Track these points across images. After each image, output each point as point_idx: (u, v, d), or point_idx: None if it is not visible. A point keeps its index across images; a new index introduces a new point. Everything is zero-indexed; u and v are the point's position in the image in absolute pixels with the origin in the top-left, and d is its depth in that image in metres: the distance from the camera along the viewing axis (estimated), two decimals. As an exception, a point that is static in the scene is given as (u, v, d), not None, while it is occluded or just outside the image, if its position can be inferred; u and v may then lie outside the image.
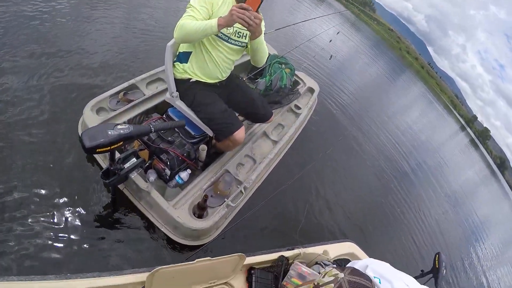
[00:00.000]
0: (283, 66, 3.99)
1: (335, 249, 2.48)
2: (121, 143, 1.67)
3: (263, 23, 2.20)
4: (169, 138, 2.50)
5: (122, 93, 2.83)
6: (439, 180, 10.89)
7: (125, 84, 2.90)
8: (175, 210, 2.28)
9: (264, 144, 3.37)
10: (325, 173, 4.87)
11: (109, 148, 1.62)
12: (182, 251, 2.49)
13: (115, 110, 2.65)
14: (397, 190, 6.97)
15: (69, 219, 2.27)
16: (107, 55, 4.02)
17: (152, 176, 2.42)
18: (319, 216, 3.93)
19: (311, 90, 4.53)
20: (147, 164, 2.50)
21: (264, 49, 2.32)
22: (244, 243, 2.95)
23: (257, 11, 1.85)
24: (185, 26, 1.98)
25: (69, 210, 2.31)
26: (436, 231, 7.24)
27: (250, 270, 1.96)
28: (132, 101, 2.81)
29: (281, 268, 2.00)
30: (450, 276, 6.17)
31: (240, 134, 2.46)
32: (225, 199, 2.56)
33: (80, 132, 2.67)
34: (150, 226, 2.47)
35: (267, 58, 2.55)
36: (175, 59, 2.44)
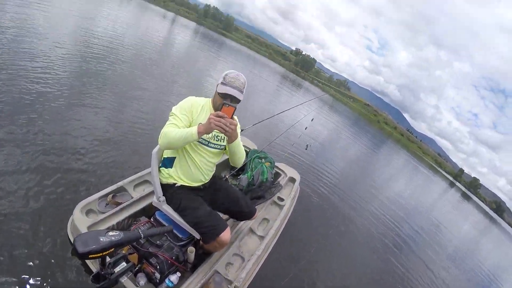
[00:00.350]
0: (263, 160, 4.16)
1: None
2: (112, 249, 1.71)
3: (238, 126, 2.44)
4: (158, 242, 2.55)
5: (110, 196, 2.91)
6: (438, 242, 10.69)
7: (114, 187, 2.99)
8: None
9: (250, 241, 3.39)
10: (321, 264, 4.84)
11: (101, 254, 1.66)
12: None
13: (104, 213, 2.71)
14: (398, 263, 6.86)
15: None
16: (97, 151, 4.24)
17: (142, 280, 2.41)
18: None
19: (292, 180, 4.64)
20: (137, 268, 2.51)
21: (241, 151, 2.53)
22: None
23: (232, 117, 2.03)
24: (168, 134, 2.13)
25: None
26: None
27: None
28: (120, 203, 2.87)
29: None
30: None
31: (226, 235, 2.51)
32: None
33: (69, 232, 2.71)
34: None
35: (248, 153, 2.70)
36: (160, 165, 2.57)
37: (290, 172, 4.72)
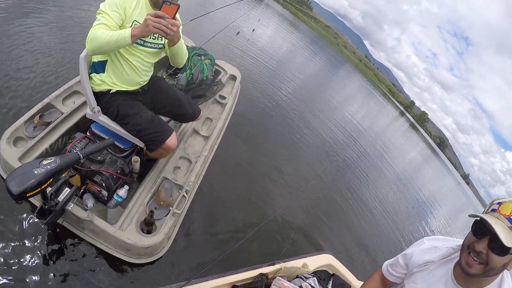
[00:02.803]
0: (202, 57, 3.93)
1: (314, 262, 2.61)
2: (51, 180, 1.55)
3: (180, 27, 2.17)
4: (99, 157, 2.35)
5: (37, 116, 2.60)
6: (385, 164, 11.41)
7: (39, 105, 2.66)
8: (122, 232, 2.20)
9: (196, 142, 3.33)
10: (266, 158, 5.04)
11: (39, 189, 1.50)
12: (140, 269, 2.42)
13: (34, 138, 2.44)
14: (349, 179, 7.14)
15: (13, 267, 2.02)
16: (15, 70, 3.55)
17: (90, 201, 2.28)
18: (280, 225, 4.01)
19: (233, 78, 4.55)
20: (82, 190, 2.34)
21: (184, 51, 2.29)
22: (196, 249, 2.92)
23: (174, 17, 1.79)
24: (97, 38, 1.85)
25: (9, 259, 2.05)
26: (391, 211, 7.55)
27: None
28: (50, 123, 2.58)
29: (261, 285, 2.07)
30: (406, 243, 6.51)
31: (172, 141, 2.40)
32: (170, 208, 2.53)
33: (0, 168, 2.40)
34: (101, 254, 2.32)
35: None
36: (90, 71, 2.29)
37: (231, 69, 4.59)
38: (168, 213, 2.50)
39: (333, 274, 2.76)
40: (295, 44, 23.09)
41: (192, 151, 3.18)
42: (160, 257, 2.45)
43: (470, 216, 1.12)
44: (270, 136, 6.09)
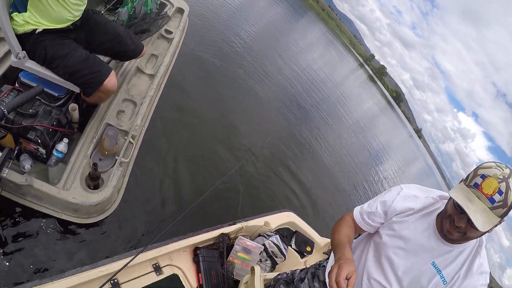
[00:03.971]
0: None
1: (275, 220, 2.63)
2: None
3: None
4: (30, 110, 2.04)
5: None
6: (343, 112, 11.65)
7: None
8: (67, 192, 2.04)
9: (140, 82, 3.08)
10: (214, 97, 4.91)
11: None
12: (93, 229, 2.33)
13: None
14: (307, 126, 7.16)
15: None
16: None
17: (27, 163, 2.05)
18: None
19: (180, 11, 4.24)
20: (16, 151, 2.07)
21: None
22: (150, 202, 2.88)
23: None
24: None
25: None
26: (347, 156, 7.76)
27: (196, 250, 2.00)
28: None
29: (223, 245, 2.10)
30: (362, 192, 6.75)
31: (111, 81, 2.17)
32: (116, 157, 2.36)
33: None
34: (49, 219, 2.16)
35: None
36: (10, 10, 1.96)
37: (177, 2, 4.25)
38: (114, 163, 2.33)
39: (296, 231, 2.86)
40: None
41: (137, 92, 2.94)
42: (113, 212, 2.35)
43: (451, 195, 1.11)
44: (225, 80, 5.89)
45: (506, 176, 1.04)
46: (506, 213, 1.06)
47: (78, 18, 2.15)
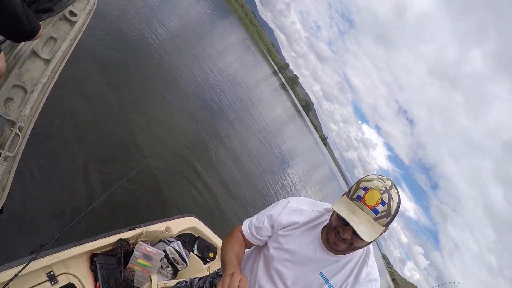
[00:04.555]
0: None
1: (178, 225, 2.55)
2: None
3: None
4: None
5: None
6: (253, 116, 11.93)
7: None
8: None
9: (34, 66, 2.81)
10: (118, 89, 4.72)
11: None
12: None
13: None
14: (215, 130, 7.14)
15: None
16: None
17: None
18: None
19: None
20: None
21: None
22: (40, 205, 2.66)
23: None
24: None
25: None
26: (254, 161, 7.93)
27: (93, 257, 1.87)
28: None
29: (121, 251, 1.98)
30: (267, 197, 6.92)
31: None
32: (1, 151, 2.13)
33: None
34: None
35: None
36: None
37: None
38: None
39: (198, 236, 2.79)
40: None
41: (29, 78, 2.69)
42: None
43: (334, 209, 1.12)
44: (132, 76, 5.65)
45: (388, 188, 1.08)
46: (390, 222, 1.10)
47: None
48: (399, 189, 1.16)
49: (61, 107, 3.34)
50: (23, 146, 2.45)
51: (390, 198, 1.07)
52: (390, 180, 1.12)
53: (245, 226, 1.48)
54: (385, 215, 1.07)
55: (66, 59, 3.35)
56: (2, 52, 2.06)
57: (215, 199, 5.20)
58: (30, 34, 2.39)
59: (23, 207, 2.47)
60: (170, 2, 13.01)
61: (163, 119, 5.45)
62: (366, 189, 1.08)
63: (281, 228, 1.36)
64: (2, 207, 2.15)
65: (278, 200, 1.51)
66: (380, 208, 1.06)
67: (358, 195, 1.09)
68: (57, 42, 3.21)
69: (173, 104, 6.26)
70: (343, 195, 1.20)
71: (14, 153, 2.25)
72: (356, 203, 1.09)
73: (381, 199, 1.06)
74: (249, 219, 1.50)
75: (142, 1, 8.85)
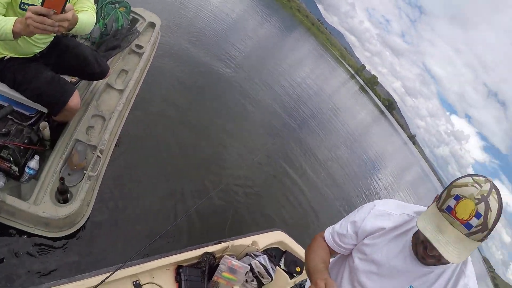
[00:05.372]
0: (117, 5, 3.60)
1: (264, 239, 2.55)
2: None
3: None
4: (3, 129, 2.13)
5: None
6: (335, 124, 11.51)
7: None
8: (37, 206, 2.08)
9: (109, 97, 3.04)
10: (191, 113, 4.75)
11: None
12: (66, 242, 2.28)
13: None
14: (300, 141, 6.96)
15: None
16: None
17: (0, 180, 2.13)
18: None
19: (152, 25, 4.21)
20: None
21: (85, 26, 1.96)
22: (124, 218, 2.77)
23: (63, 10, 1.43)
24: None
25: None
26: (342, 171, 7.54)
27: (178, 269, 1.94)
28: None
29: (206, 264, 2.02)
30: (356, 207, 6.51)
31: (74, 101, 2.21)
32: (84, 172, 2.37)
33: None
34: (23, 235, 2.14)
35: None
36: None
37: (150, 16, 4.23)
38: (82, 178, 2.34)
39: (285, 251, 2.77)
40: (248, 6, 22.33)
41: (106, 108, 2.90)
42: (84, 225, 2.34)
43: (418, 226, 0.95)
44: (210, 95, 5.76)
45: (485, 195, 0.86)
46: (486, 236, 0.89)
47: (45, 48, 2.22)
48: (499, 184, 0.71)
49: (141, 128, 3.56)
50: (105, 167, 2.67)
51: (487, 208, 0.85)
52: (489, 182, 0.89)
53: (328, 233, 1.40)
54: (481, 230, 0.86)
55: (138, 87, 3.62)
56: (76, 90, 2.24)
57: (304, 213, 4.99)
58: (100, 75, 2.61)
59: (111, 220, 2.61)
60: (237, 26, 13.34)
61: (244, 135, 5.43)
62: (458, 198, 0.89)
63: (366, 236, 1.23)
64: (87, 221, 2.37)
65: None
66: (474, 222, 0.86)
67: (448, 205, 0.91)
68: (128, 74, 3.40)
69: (255, 120, 6.24)
70: (433, 201, 1.01)
71: (97, 173, 2.42)
72: (446, 216, 0.91)
73: (476, 210, 0.85)
74: (332, 225, 1.41)
75: (210, 29, 9.21)
